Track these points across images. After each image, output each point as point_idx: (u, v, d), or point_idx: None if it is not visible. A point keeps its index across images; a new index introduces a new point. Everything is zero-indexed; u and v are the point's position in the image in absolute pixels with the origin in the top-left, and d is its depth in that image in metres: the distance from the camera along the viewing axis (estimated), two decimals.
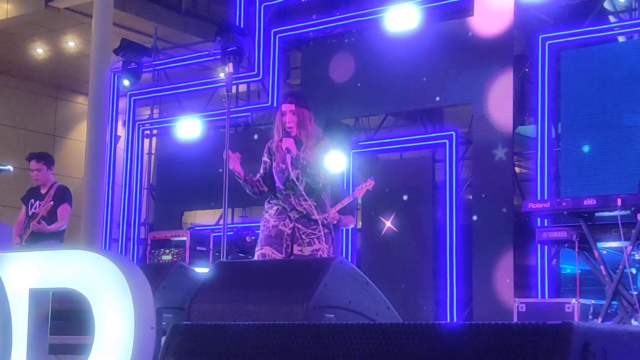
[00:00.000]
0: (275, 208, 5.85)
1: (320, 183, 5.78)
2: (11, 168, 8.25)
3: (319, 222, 5.71)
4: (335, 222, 7.67)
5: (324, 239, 5.72)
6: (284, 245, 5.73)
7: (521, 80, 10.09)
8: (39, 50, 15.82)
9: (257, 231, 9.75)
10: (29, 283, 2.96)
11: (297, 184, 5.74)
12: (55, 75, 17.01)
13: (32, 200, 8.17)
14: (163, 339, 3.17)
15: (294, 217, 5.74)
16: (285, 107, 5.89)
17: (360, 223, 10.69)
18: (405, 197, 10.17)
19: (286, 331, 2.64)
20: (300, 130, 5.83)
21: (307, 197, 5.72)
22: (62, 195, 8.02)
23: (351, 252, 10.40)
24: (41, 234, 7.88)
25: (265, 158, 5.99)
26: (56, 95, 17.86)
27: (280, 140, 5.80)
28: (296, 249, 5.73)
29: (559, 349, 2.04)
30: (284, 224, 5.78)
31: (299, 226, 5.74)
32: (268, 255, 5.70)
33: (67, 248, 3.15)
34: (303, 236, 5.73)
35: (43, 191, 8.14)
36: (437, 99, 10.40)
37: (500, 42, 9.81)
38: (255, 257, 5.80)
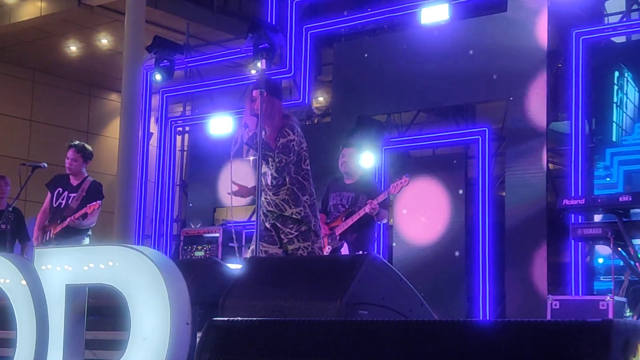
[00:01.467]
0: (261, 202, 5.84)
1: (276, 168, 5.65)
2: (45, 165, 8.32)
3: (294, 218, 5.65)
4: (375, 212, 7.66)
5: (302, 237, 5.65)
6: (276, 236, 5.74)
7: (555, 76, 10.01)
8: (72, 48, 15.95)
9: None
10: (66, 279, 2.98)
11: (267, 176, 5.71)
12: (88, 73, 17.13)
13: (60, 189, 8.13)
14: (197, 334, 3.19)
15: (272, 216, 5.73)
16: (256, 93, 5.81)
17: (392, 219, 10.67)
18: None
19: (320, 328, 2.64)
20: (266, 120, 5.74)
21: (277, 191, 5.68)
22: (97, 191, 8.04)
23: (383, 248, 10.38)
24: (72, 229, 7.89)
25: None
26: (89, 93, 18.00)
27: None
28: (277, 249, 5.74)
29: (600, 347, 2.02)
30: (267, 220, 5.79)
31: (278, 225, 5.73)
32: (259, 250, 5.65)
33: (102, 244, 3.18)
34: (282, 235, 5.71)
35: (74, 183, 8.11)
36: (466, 95, 10.35)
37: (533, 37, 9.73)
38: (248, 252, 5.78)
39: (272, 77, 5.96)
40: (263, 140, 5.66)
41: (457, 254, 9.97)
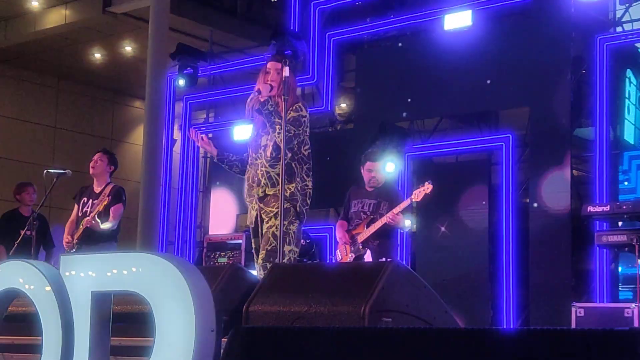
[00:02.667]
0: (245, 185, 5.84)
1: (284, 138, 5.58)
2: (70, 172, 8.36)
3: (277, 196, 5.57)
4: (397, 223, 7.63)
5: (281, 214, 5.49)
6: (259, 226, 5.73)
7: (579, 82, 9.97)
8: (97, 55, 16.05)
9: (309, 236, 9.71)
10: (91, 285, 2.99)
11: (267, 147, 5.69)
12: (112, 80, 17.23)
13: (85, 198, 8.16)
14: (222, 341, 3.20)
15: (257, 194, 5.70)
16: (271, 65, 5.83)
17: (415, 226, 10.64)
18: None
19: (345, 335, 2.64)
20: (280, 89, 5.73)
21: (274, 163, 5.66)
22: (118, 195, 8.05)
23: (406, 255, 10.36)
24: (94, 234, 7.88)
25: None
26: (113, 100, 18.10)
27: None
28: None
29: (628, 356, 2.00)
30: (252, 206, 5.77)
31: (262, 206, 5.70)
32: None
33: (127, 251, 3.19)
34: (263, 216, 5.68)
35: (97, 190, 8.14)
36: (490, 101, 10.33)
37: (557, 43, 9.69)
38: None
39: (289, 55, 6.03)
40: (274, 109, 5.66)
41: (480, 261, 9.93)
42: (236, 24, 15.01)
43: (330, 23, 12.11)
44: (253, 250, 5.84)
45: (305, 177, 5.79)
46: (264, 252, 5.62)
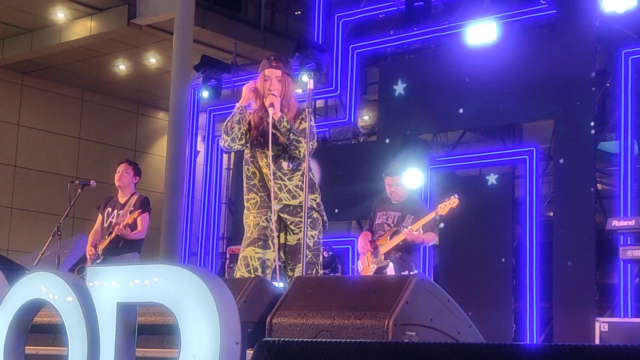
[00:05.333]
0: (252, 201, 5.41)
1: (302, 150, 5.30)
2: (94, 182, 8.41)
3: (308, 206, 5.26)
4: (415, 240, 7.60)
5: (311, 225, 5.27)
6: (270, 239, 5.32)
7: (603, 96, 9.92)
8: (121, 67, 16.17)
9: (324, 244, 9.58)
10: (117, 297, 3.00)
11: (281, 160, 5.34)
12: (136, 91, 17.35)
13: (110, 209, 8.20)
14: (246, 353, 3.20)
15: (276, 208, 5.33)
16: (269, 72, 5.38)
17: (439, 239, 10.61)
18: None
19: (368, 349, 2.63)
20: (282, 101, 5.36)
21: (291, 176, 5.34)
22: (144, 204, 8.09)
23: (429, 268, 10.33)
24: (119, 244, 7.92)
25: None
26: (137, 111, 18.21)
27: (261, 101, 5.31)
28: (287, 237, 5.39)
29: None
30: (266, 218, 5.34)
31: (286, 217, 5.35)
32: (250, 257, 5.33)
33: (152, 262, 3.20)
34: (292, 226, 5.34)
35: (122, 200, 8.18)
36: (514, 114, 10.30)
37: (582, 56, 9.66)
38: (239, 261, 5.39)
39: (281, 55, 5.68)
40: (292, 125, 5.33)
41: (503, 275, 9.88)
42: (260, 36, 15.08)
43: (354, 35, 12.14)
44: (259, 263, 5.39)
45: (318, 187, 5.59)
46: (300, 265, 5.29)
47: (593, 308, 9.05)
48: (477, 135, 11.84)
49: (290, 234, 5.41)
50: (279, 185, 5.35)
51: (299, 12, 15.43)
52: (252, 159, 5.50)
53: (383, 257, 7.69)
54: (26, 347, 3.48)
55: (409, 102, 11.05)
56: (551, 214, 10.10)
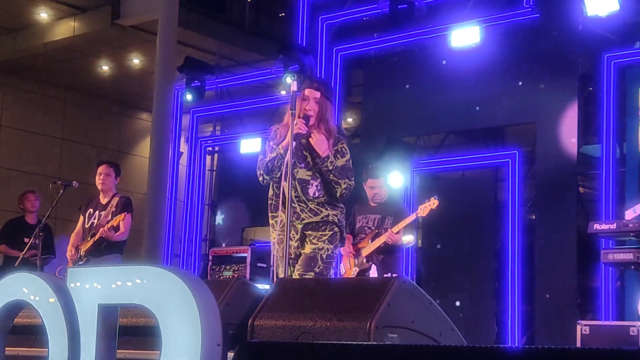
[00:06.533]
0: (277, 219, 5.38)
1: (339, 192, 5.26)
2: (76, 183, 8.38)
3: (329, 220, 5.28)
4: (396, 242, 7.62)
5: (329, 239, 5.28)
6: (296, 255, 5.30)
7: (586, 99, 9.97)
8: (105, 67, 16.10)
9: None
10: (98, 298, 3.00)
11: (309, 185, 5.28)
12: (119, 92, 17.28)
13: (92, 210, 8.17)
14: (229, 354, 3.19)
15: (300, 226, 5.29)
16: (309, 92, 5.35)
17: (421, 242, 10.63)
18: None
19: (350, 351, 2.63)
20: (320, 123, 5.33)
21: (315, 195, 5.26)
22: (126, 206, 8.07)
23: (411, 270, 10.35)
24: (101, 245, 7.91)
25: (271, 143, 5.41)
26: (120, 112, 18.14)
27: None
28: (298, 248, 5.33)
29: None
30: (291, 236, 5.26)
31: (309, 232, 5.30)
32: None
33: (133, 264, 3.19)
34: (312, 239, 5.31)
35: (104, 201, 8.16)
36: (496, 118, 10.34)
37: (565, 60, 9.71)
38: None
39: (323, 78, 5.61)
40: (333, 165, 5.26)
41: (485, 277, 9.92)
42: (244, 38, 15.05)
43: (338, 38, 12.14)
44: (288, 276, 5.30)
45: (342, 203, 5.52)
46: (312, 273, 5.29)
47: (575, 311, 9.10)
48: (460, 138, 11.86)
49: (308, 244, 5.35)
50: (301, 208, 5.30)
51: (283, 14, 15.41)
52: (279, 179, 5.37)
53: (365, 260, 7.70)
54: (6, 348, 3.46)
55: (393, 105, 11.07)
56: (533, 217, 10.14)
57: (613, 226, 7.05)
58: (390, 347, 2.63)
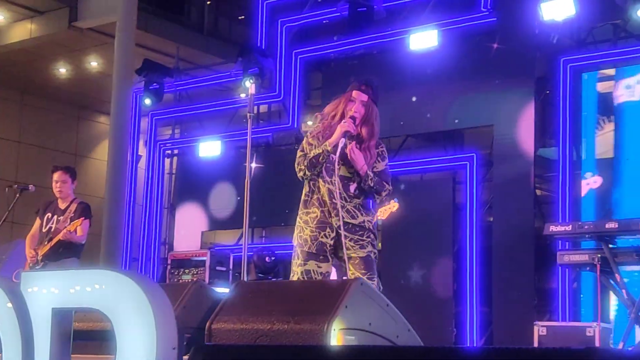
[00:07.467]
0: (312, 215, 5.27)
1: (379, 197, 5.25)
2: (33, 187, 8.29)
3: (365, 227, 5.22)
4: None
5: (371, 243, 5.24)
6: (329, 253, 5.20)
7: (542, 103, 10.07)
8: (62, 70, 15.97)
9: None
10: (52, 302, 2.97)
11: (349, 183, 5.20)
12: (77, 95, 17.14)
13: (50, 214, 8.10)
14: (183, 359, 3.18)
15: (336, 224, 5.18)
16: (357, 94, 5.30)
17: (380, 244, 10.66)
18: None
19: (307, 353, 2.63)
20: (365, 127, 5.30)
21: (354, 196, 5.20)
22: (85, 212, 8.01)
23: None
24: (59, 249, 7.84)
25: (310, 140, 5.30)
26: (78, 115, 18.00)
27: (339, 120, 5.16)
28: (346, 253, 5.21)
29: None
30: (325, 234, 5.20)
31: (345, 233, 5.18)
32: (313, 271, 5.18)
33: (89, 268, 3.17)
34: (351, 242, 5.20)
35: (62, 206, 8.09)
36: (457, 121, 10.40)
37: (522, 64, 9.81)
38: (298, 274, 5.24)
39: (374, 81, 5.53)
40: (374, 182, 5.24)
41: (444, 279, 9.97)
42: (203, 41, 15.02)
43: (297, 41, 12.15)
44: (322, 277, 5.20)
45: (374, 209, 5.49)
46: (374, 276, 5.20)
47: (532, 312, 9.18)
48: (418, 141, 11.92)
49: (357, 250, 5.23)
50: (341, 204, 5.21)
51: (243, 17, 15.39)
52: (321, 173, 5.30)
53: None
54: None
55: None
56: (491, 219, 10.21)
57: (569, 228, 7.12)
58: (347, 349, 2.63)
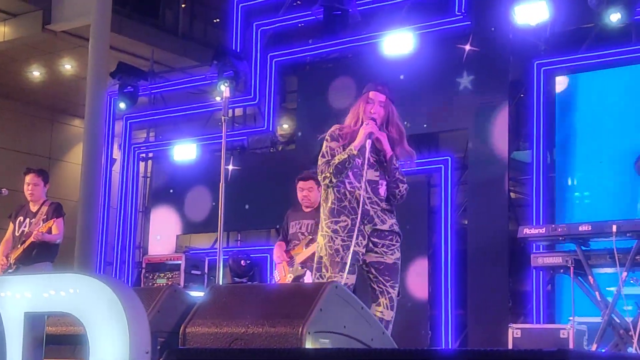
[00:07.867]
0: (342, 224, 5.18)
1: (403, 186, 5.27)
2: (6, 191, 8.24)
3: (395, 230, 5.24)
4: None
5: (398, 249, 5.26)
6: (359, 262, 5.15)
7: (516, 106, 10.13)
8: (36, 73, 15.87)
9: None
10: (24, 307, 2.95)
11: (379, 185, 5.21)
12: (51, 98, 17.04)
13: (22, 218, 8.08)
14: None
15: (368, 231, 5.16)
16: (374, 94, 5.34)
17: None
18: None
19: (281, 356, 2.63)
20: (392, 127, 5.32)
21: (384, 199, 5.20)
22: (57, 211, 7.99)
23: None
24: (32, 253, 7.81)
25: (332, 144, 5.27)
26: (52, 118, 17.89)
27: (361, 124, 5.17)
28: (373, 257, 5.19)
29: None
30: (357, 242, 5.12)
31: (375, 240, 5.19)
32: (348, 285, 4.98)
33: (62, 272, 3.15)
34: (384, 248, 5.20)
35: (33, 209, 8.07)
36: (430, 124, 10.44)
37: (496, 67, 9.86)
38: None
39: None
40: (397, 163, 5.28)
41: (419, 282, 9.99)
42: (178, 43, 14.99)
43: (272, 44, 12.15)
44: (349, 286, 4.99)
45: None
46: (397, 285, 5.22)
47: (506, 315, 9.22)
48: None
49: (385, 255, 5.23)
50: (374, 210, 5.20)
51: (218, 20, 15.37)
52: (347, 179, 5.25)
53: (300, 267, 7.68)
54: None
55: (328, 111, 11.09)
56: (466, 222, 10.25)
57: (542, 231, 7.15)
58: (322, 352, 2.63)
